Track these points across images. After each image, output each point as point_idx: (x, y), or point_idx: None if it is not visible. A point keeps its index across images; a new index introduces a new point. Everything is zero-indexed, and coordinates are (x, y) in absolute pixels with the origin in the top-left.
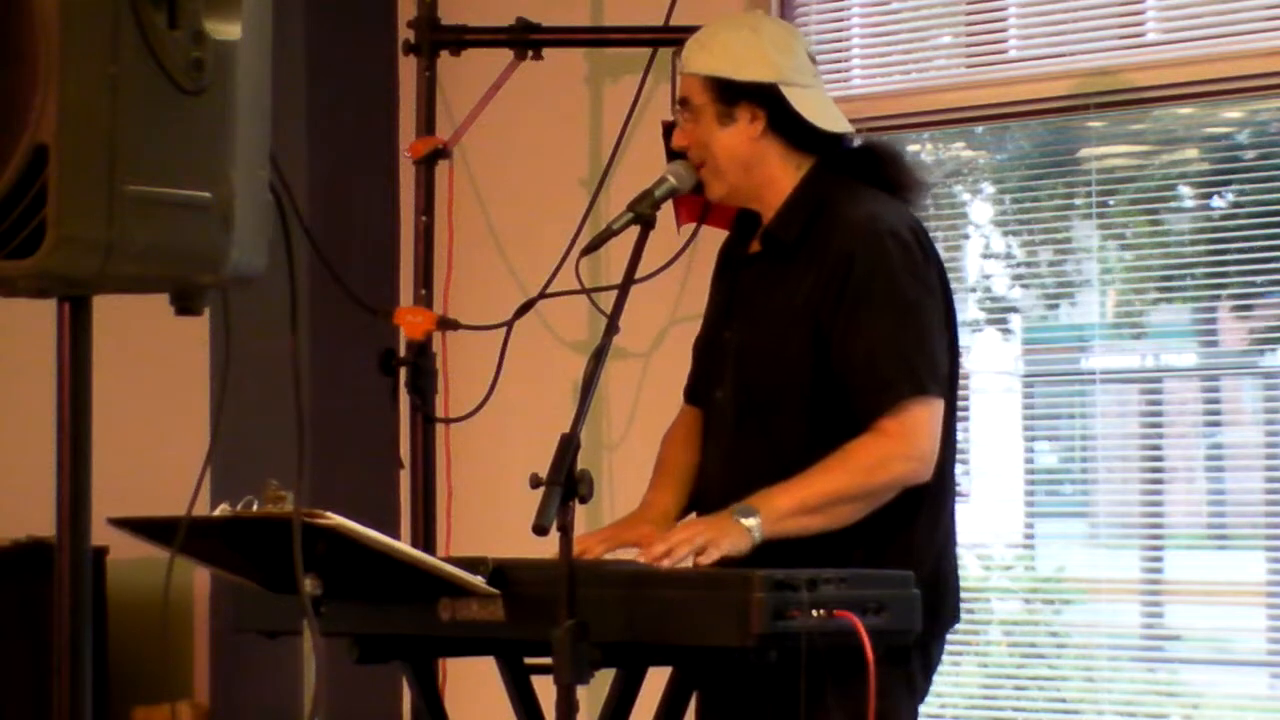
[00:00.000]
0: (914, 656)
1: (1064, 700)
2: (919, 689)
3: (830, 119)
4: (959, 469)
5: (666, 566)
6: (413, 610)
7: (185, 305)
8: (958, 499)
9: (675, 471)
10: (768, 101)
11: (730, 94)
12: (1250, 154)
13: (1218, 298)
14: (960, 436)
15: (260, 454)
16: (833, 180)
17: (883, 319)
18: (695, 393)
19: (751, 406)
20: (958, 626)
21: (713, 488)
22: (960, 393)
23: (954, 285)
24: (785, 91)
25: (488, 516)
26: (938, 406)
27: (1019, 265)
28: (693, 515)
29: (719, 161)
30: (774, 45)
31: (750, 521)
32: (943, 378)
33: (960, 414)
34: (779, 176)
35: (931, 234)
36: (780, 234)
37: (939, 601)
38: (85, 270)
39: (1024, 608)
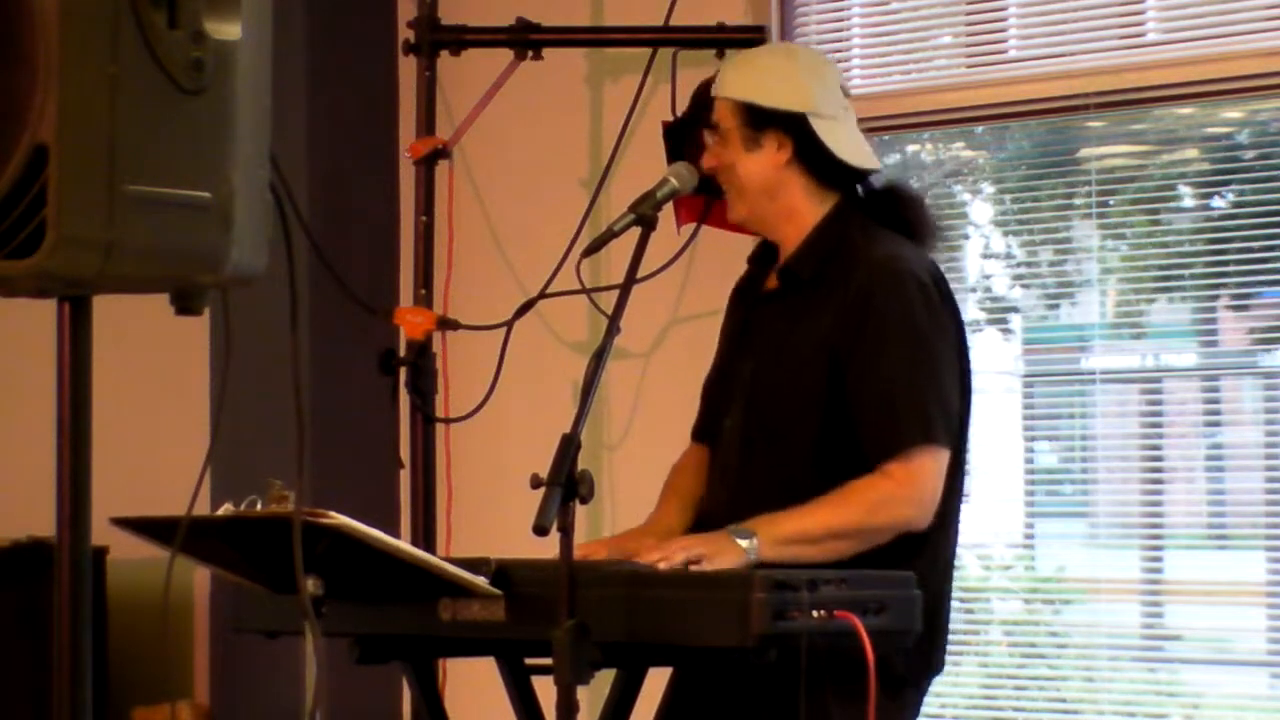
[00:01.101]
0: (908, 690)
1: (1064, 700)
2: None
3: (859, 154)
4: None
5: (663, 568)
6: (413, 610)
7: (185, 305)
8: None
9: (682, 495)
10: (795, 131)
11: (758, 120)
12: (1250, 154)
13: (1218, 297)
14: None
15: (260, 454)
16: (855, 220)
17: (899, 360)
18: (703, 430)
19: (760, 435)
20: (957, 627)
21: (715, 513)
22: None
23: (954, 285)
24: (814, 123)
25: (488, 516)
26: (944, 456)
27: (1019, 265)
28: None
29: (742, 186)
30: (807, 75)
31: (747, 543)
32: (953, 426)
33: None
34: (801, 209)
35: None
36: (799, 270)
37: (931, 644)
38: (85, 270)
39: (1024, 608)
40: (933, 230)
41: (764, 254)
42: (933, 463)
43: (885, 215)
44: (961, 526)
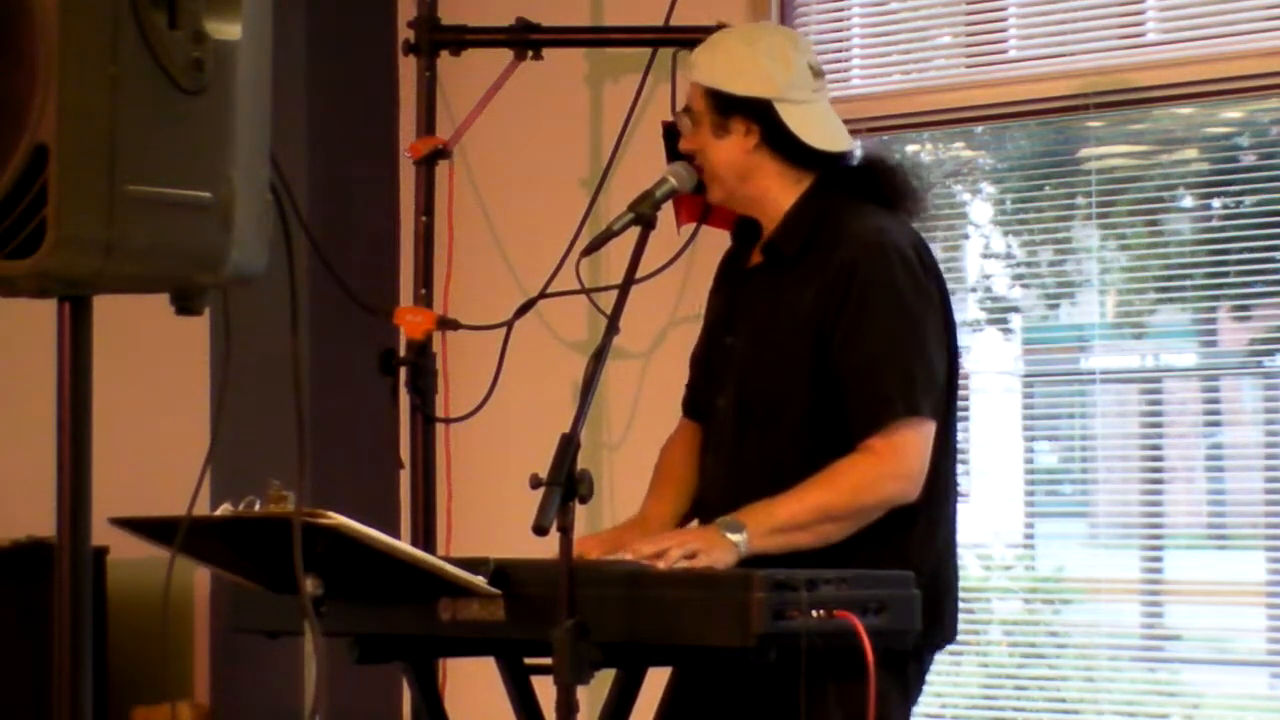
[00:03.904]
0: (909, 663)
1: (1064, 700)
2: (912, 697)
3: (827, 137)
4: (959, 469)
5: (661, 568)
6: (413, 610)
7: (185, 305)
8: (959, 499)
9: (674, 481)
10: (761, 117)
11: (725, 106)
12: (1250, 155)
13: (1217, 298)
14: (960, 436)
15: (260, 454)
16: (834, 196)
17: (883, 334)
18: (694, 405)
19: (753, 414)
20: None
21: (713, 494)
22: (960, 393)
23: (954, 285)
24: (779, 108)
25: (488, 516)
26: (929, 428)
27: (1019, 265)
28: (694, 523)
29: (714, 169)
30: (771, 59)
31: (737, 536)
32: (939, 396)
33: (960, 414)
34: (776, 190)
35: (931, 234)
36: (783, 245)
37: (935, 613)
38: (85, 270)
39: (1024, 608)
40: (914, 199)
41: (746, 229)
42: (917, 434)
43: (865, 189)
44: (961, 517)
